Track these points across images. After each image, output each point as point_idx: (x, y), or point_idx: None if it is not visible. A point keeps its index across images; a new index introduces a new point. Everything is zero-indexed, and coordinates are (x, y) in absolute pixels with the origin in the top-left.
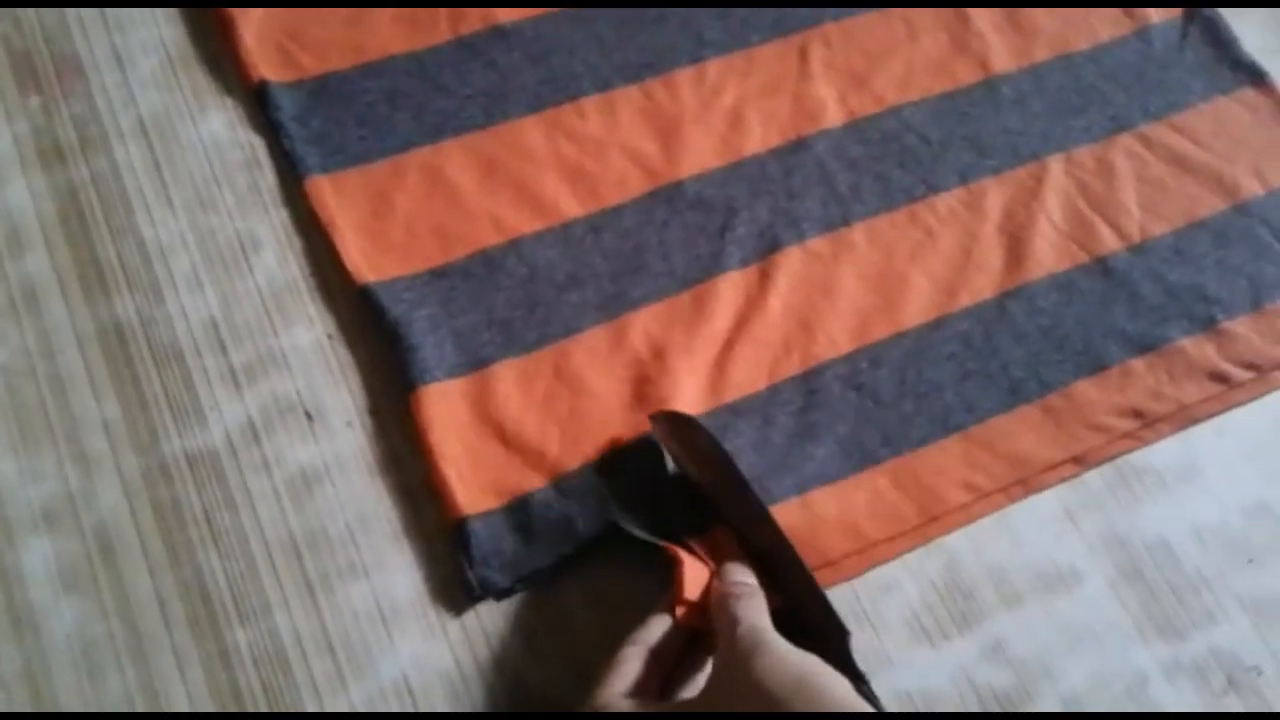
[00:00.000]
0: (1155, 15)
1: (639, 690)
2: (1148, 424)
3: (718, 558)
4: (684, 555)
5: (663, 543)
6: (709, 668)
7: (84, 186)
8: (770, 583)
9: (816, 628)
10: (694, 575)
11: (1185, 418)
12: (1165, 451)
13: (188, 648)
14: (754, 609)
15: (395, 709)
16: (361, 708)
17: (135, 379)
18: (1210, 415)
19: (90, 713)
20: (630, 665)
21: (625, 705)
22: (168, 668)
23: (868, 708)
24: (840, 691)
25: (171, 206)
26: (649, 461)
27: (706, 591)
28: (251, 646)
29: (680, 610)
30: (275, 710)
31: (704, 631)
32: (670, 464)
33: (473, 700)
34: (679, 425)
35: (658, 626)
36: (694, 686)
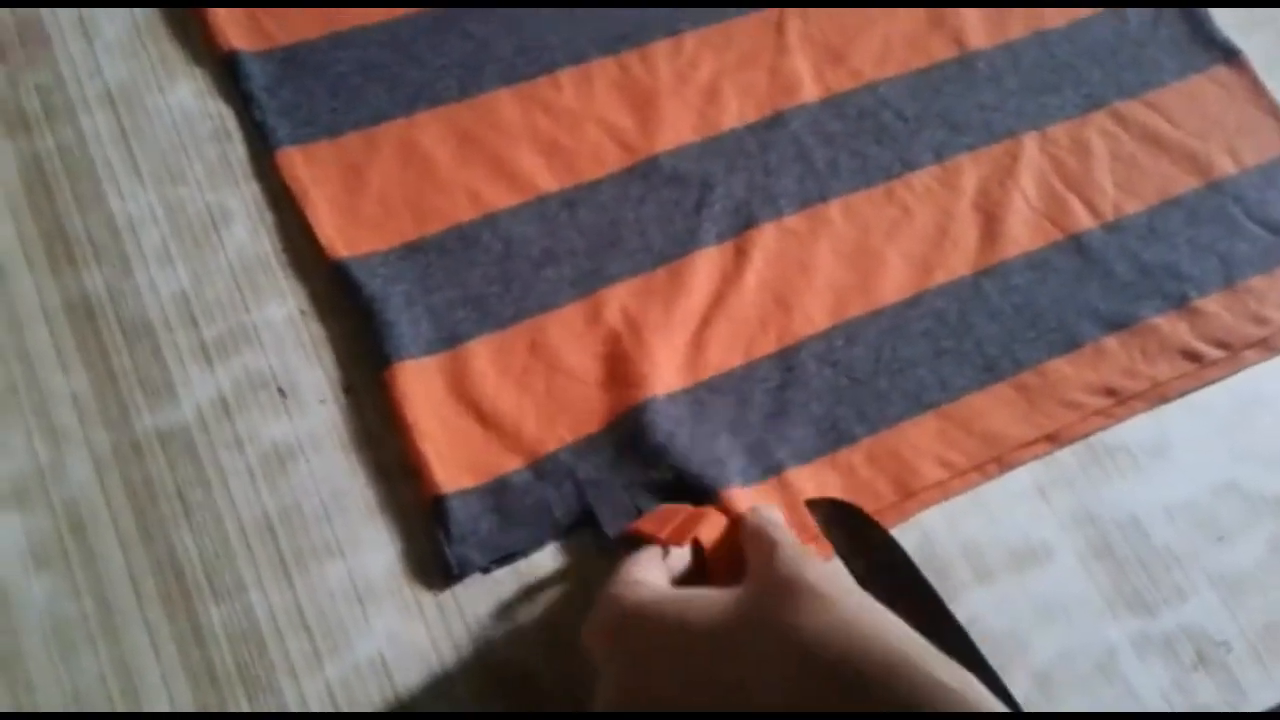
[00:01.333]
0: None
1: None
2: (1120, 402)
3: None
4: (639, 526)
5: (632, 527)
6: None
7: (49, 157)
8: None
9: None
10: (663, 520)
11: (1157, 395)
12: (1137, 429)
13: (161, 625)
14: (791, 537)
15: (371, 687)
16: (337, 686)
17: (104, 353)
18: (1182, 393)
19: (85, 713)
20: (647, 559)
21: (654, 590)
22: (141, 646)
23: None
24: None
25: (140, 178)
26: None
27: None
28: (226, 624)
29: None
30: (251, 691)
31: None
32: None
33: (449, 677)
34: (846, 518)
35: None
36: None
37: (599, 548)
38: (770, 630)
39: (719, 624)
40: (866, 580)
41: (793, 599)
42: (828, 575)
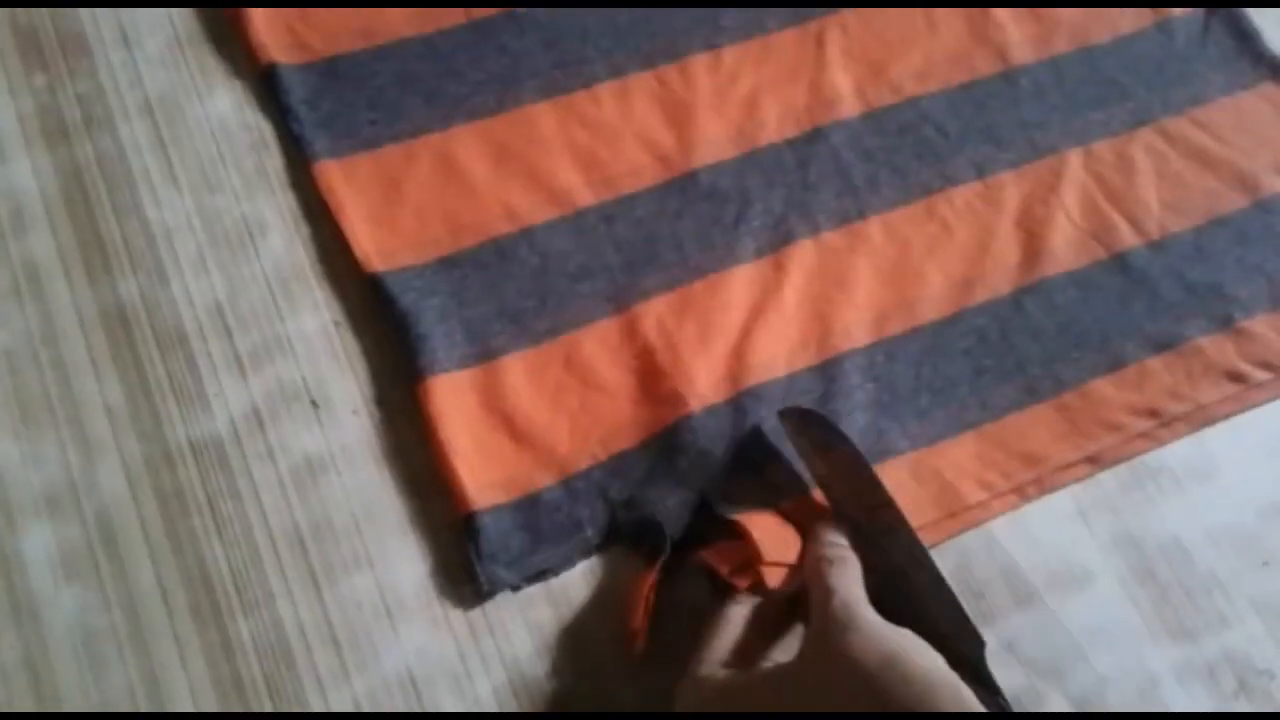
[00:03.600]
0: (1177, 8)
1: (740, 653)
2: (1164, 424)
3: (809, 520)
4: (749, 525)
5: (731, 516)
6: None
7: (88, 166)
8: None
9: (947, 639)
10: (771, 540)
11: (1202, 418)
12: (1180, 451)
13: (190, 637)
14: (848, 579)
15: (399, 701)
16: (365, 700)
17: (138, 363)
18: (1227, 415)
19: (88, 713)
20: (733, 626)
21: (721, 675)
22: (169, 657)
23: (955, 685)
24: (928, 668)
25: (177, 187)
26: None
27: (802, 555)
28: (254, 637)
29: (769, 573)
30: (278, 704)
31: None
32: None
33: (476, 693)
34: (810, 424)
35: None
36: (786, 650)
37: (633, 556)
38: (833, 661)
39: (784, 670)
40: (827, 479)
41: (848, 635)
42: (870, 613)
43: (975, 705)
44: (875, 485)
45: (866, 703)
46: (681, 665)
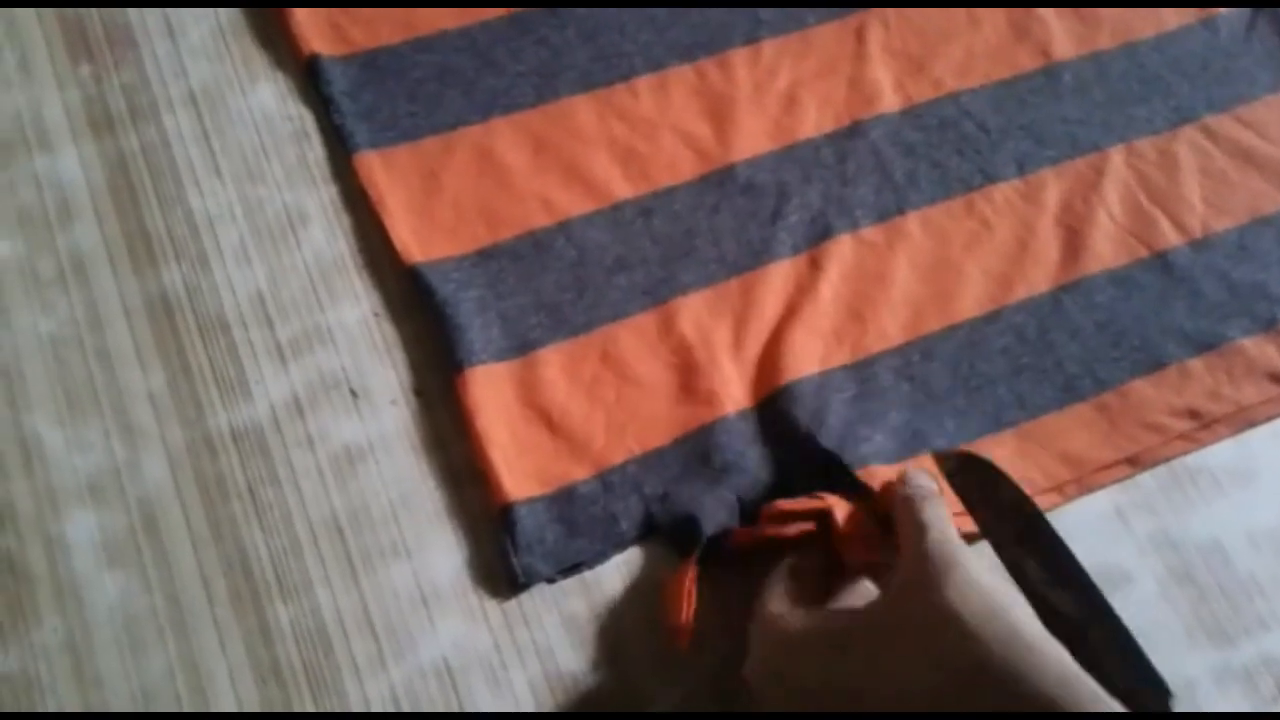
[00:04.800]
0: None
1: (797, 600)
2: (1204, 425)
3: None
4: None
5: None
6: (863, 588)
7: (133, 156)
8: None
9: (1129, 691)
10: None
11: (1243, 419)
12: (1221, 453)
13: (229, 623)
14: (940, 516)
15: (434, 690)
16: (401, 689)
17: (181, 351)
18: (1269, 418)
19: (89, 713)
20: (780, 578)
21: (798, 616)
22: (209, 643)
23: (1058, 650)
24: (1034, 633)
25: (220, 178)
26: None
27: (853, 523)
28: (293, 623)
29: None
30: (316, 691)
31: (857, 563)
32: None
33: (511, 684)
34: (972, 468)
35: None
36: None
37: (669, 549)
38: (929, 603)
39: (868, 617)
40: (990, 528)
41: (948, 576)
42: (971, 557)
43: (1082, 677)
44: (1051, 536)
45: (963, 655)
46: (715, 662)
